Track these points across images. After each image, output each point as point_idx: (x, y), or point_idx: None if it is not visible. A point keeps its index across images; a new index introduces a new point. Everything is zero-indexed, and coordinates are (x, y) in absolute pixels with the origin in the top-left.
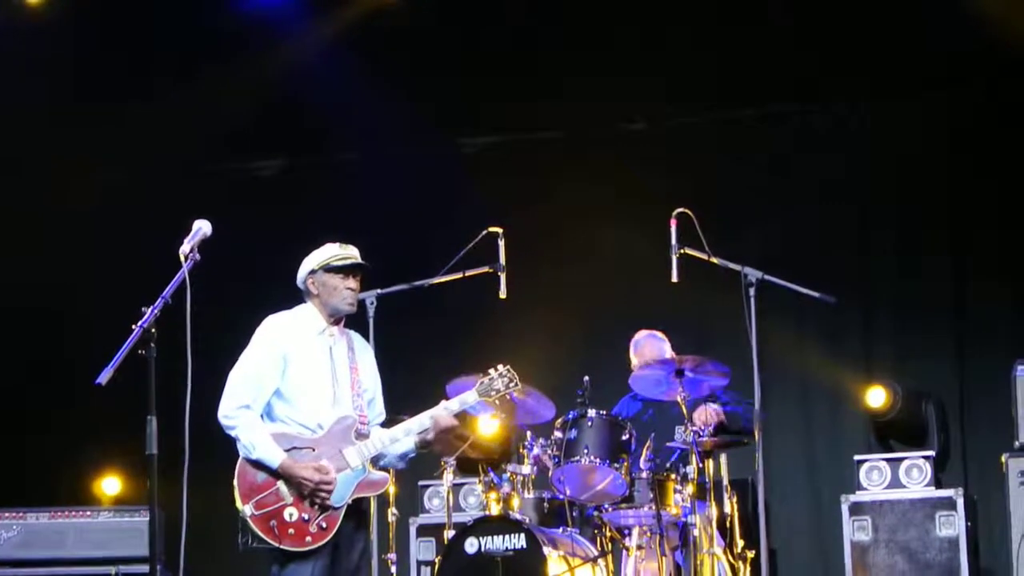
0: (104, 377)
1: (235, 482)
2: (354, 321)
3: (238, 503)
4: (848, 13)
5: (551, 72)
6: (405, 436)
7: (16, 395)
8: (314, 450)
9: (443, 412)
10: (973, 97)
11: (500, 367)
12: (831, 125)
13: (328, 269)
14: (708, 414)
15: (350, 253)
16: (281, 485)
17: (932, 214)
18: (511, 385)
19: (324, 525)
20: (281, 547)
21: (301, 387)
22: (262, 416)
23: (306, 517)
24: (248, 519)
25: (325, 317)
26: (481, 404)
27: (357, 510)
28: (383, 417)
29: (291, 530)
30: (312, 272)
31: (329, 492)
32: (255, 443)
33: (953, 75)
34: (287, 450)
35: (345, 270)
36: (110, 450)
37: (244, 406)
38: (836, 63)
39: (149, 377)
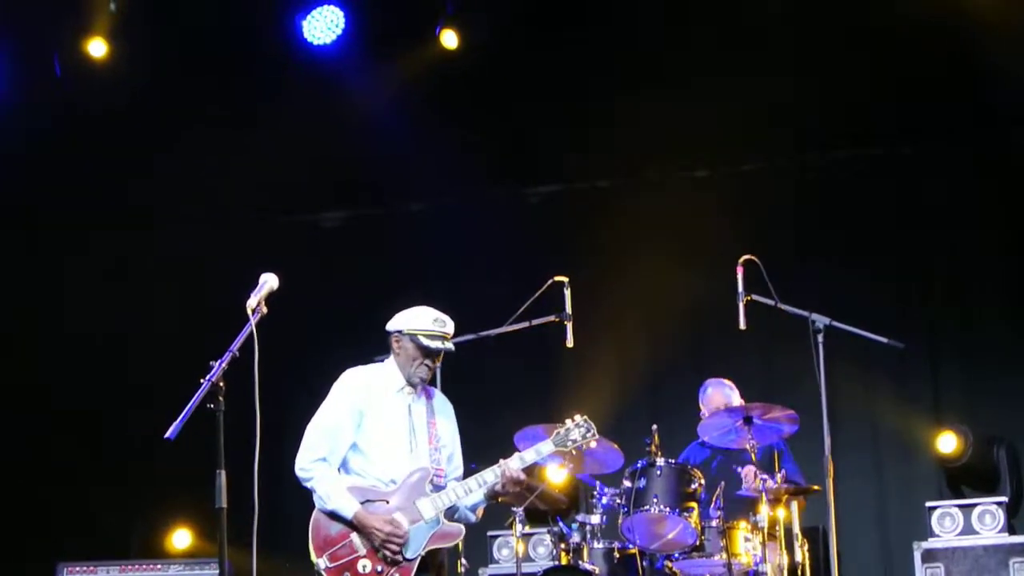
0: (174, 431)
1: (309, 535)
2: None
3: (312, 556)
4: (907, 58)
5: (615, 120)
6: (479, 487)
7: (89, 448)
8: (388, 502)
9: (516, 463)
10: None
11: (577, 417)
12: (898, 171)
13: (415, 340)
14: (754, 479)
15: (442, 331)
16: (354, 537)
17: (1000, 258)
18: (588, 435)
19: (397, 575)
20: None
21: (378, 441)
22: (339, 469)
23: (379, 569)
24: (323, 572)
25: (403, 375)
26: (554, 455)
27: (432, 562)
28: (460, 472)
29: None
30: (400, 332)
31: (399, 544)
32: (330, 494)
33: (1001, 115)
34: (362, 502)
35: (431, 352)
36: (181, 504)
37: (320, 459)
38: (897, 107)
39: (218, 431)
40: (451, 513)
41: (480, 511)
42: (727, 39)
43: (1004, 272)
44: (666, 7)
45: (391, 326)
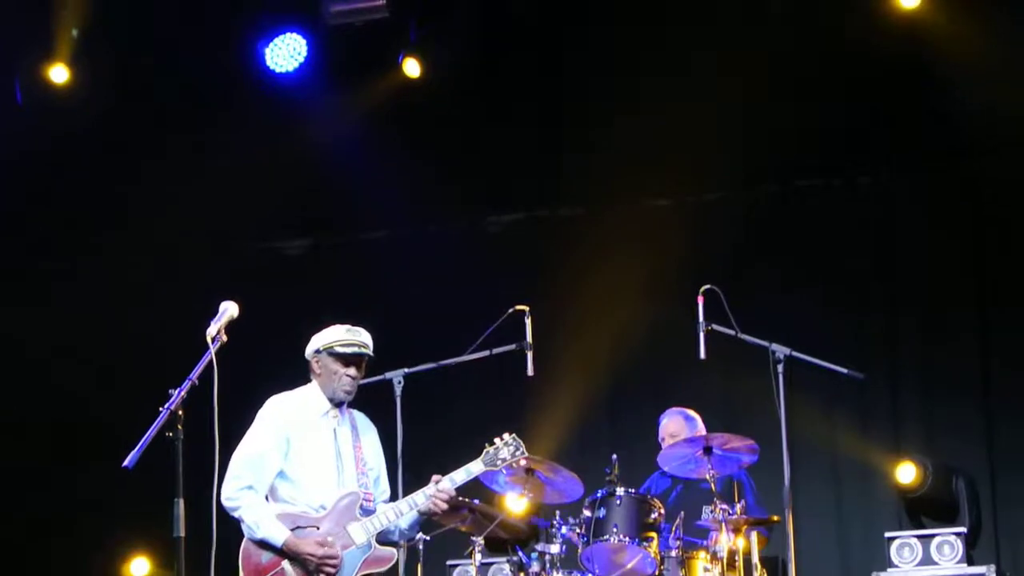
0: (131, 460)
1: (240, 565)
2: (382, 400)
3: None
4: (871, 88)
5: (575, 149)
6: (410, 510)
7: (44, 477)
8: (318, 528)
9: (446, 483)
10: (999, 170)
11: (506, 436)
12: (857, 201)
13: (331, 353)
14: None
15: (355, 339)
16: (286, 565)
17: (959, 289)
18: (517, 453)
19: None
20: None
21: (305, 468)
22: (267, 498)
23: None
24: None
25: (327, 397)
26: (492, 474)
27: None
28: (388, 495)
29: None
30: (317, 352)
31: (334, 567)
32: (259, 522)
33: (970, 146)
34: (292, 529)
35: (347, 358)
36: (139, 533)
37: (247, 487)
38: (859, 139)
39: (176, 459)
40: (385, 536)
41: (416, 533)
42: (688, 69)
43: (965, 304)
44: (623, 38)
45: (307, 351)
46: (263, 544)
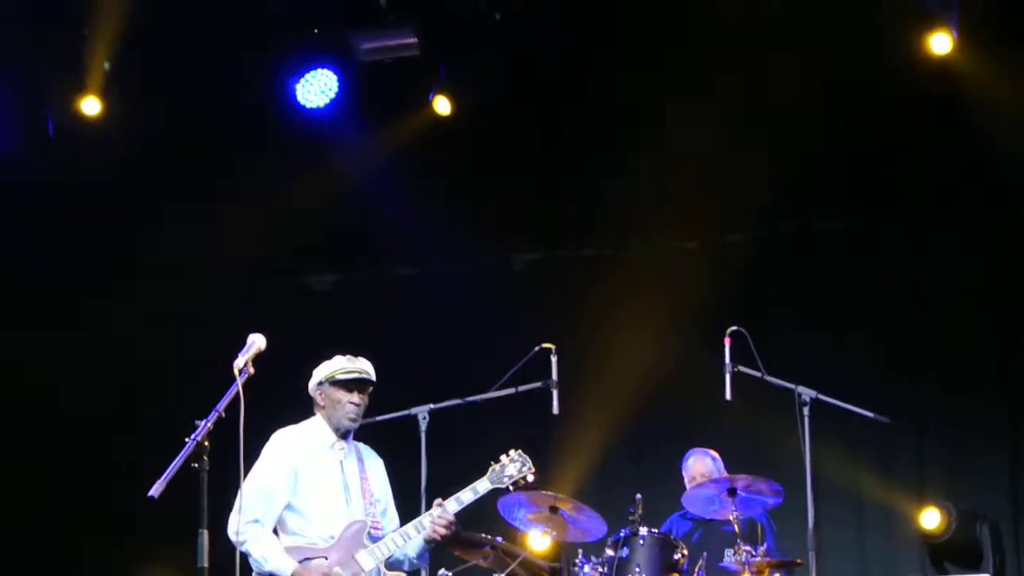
0: (157, 490)
1: None
2: (406, 435)
3: None
4: (900, 134)
5: (604, 188)
6: (418, 533)
7: (71, 505)
8: (327, 558)
9: (452, 505)
10: (1018, 214)
11: (512, 452)
12: (881, 245)
13: (333, 383)
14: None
15: (356, 367)
16: None
17: (985, 337)
18: (524, 469)
19: None
20: None
21: (313, 500)
22: (276, 530)
23: None
24: None
25: (332, 430)
26: (511, 509)
27: None
28: (396, 525)
29: None
30: (319, 384)
31: None
32: (266, 556)
33: (995, 193)
34: (300, 561)
35: (349, 384)
36: (162, 563)
37: (254, 520)
38: (883, 182)
39: (201, 490)
40: (398, 565)
41: (425, 562)
42: (714, 113)
43: (990, 349)
44: (649, 78)
45: (310, 386)
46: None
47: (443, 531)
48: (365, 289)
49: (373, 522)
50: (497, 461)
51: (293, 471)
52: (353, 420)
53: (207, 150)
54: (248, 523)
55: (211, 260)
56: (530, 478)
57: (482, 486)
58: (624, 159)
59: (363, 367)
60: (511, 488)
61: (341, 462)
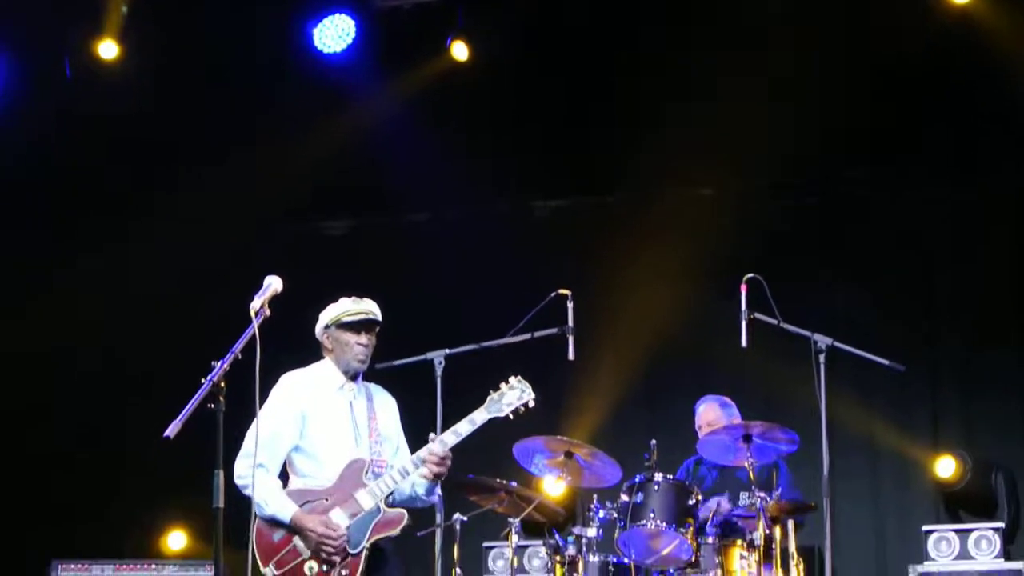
0: (172, 430)
1: (254, 544)
2: (422, 380)
3: (260, 567)
4: (927, 87)
5: (623, 136)
6: (415, 468)
7: (87, 447)
8: (327, 500)
9: (450, 437)
10: None
11: (512, 379)
12: (899, 196)
13: (340, 325)
14: (719, 509)
15: (362, 308)
16: (297, 541)
17: (1001, 285)
18: (524, 395)
19: (345, 572)
20: None
21: (322, 442)
22: (288, 473)
23: (325, 569)
24: None
25: (341, 372)
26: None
27: (382, 552)
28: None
29: None
30: (326, 327)
31: (334, 545)
32: (267, 500)
33: (1015, 153)
34: (302, 504)
35: (356, 326)
36: (177, 505)
37: (258, 465)
38: (901, 136)
39: (217, 431)
40: (410, 503)
41: (435, 497)
42: (734, 61)
43: (1006, 299)
44: (673, 27)
45: (317, 330)
46: (274, 522)
47: (436, 467)
48: (381, 235)
49: (377, 460)
50: (496, 389)
51: (300, 414)
52: (361, 362)
53: (224, 94)
54: (252, 467)
55: (227, 204)
56: (531, 404)
57: (479, 416)
58: (646, 108)
59: (369, 308)
60: (510, 416)
61: (351, 403)
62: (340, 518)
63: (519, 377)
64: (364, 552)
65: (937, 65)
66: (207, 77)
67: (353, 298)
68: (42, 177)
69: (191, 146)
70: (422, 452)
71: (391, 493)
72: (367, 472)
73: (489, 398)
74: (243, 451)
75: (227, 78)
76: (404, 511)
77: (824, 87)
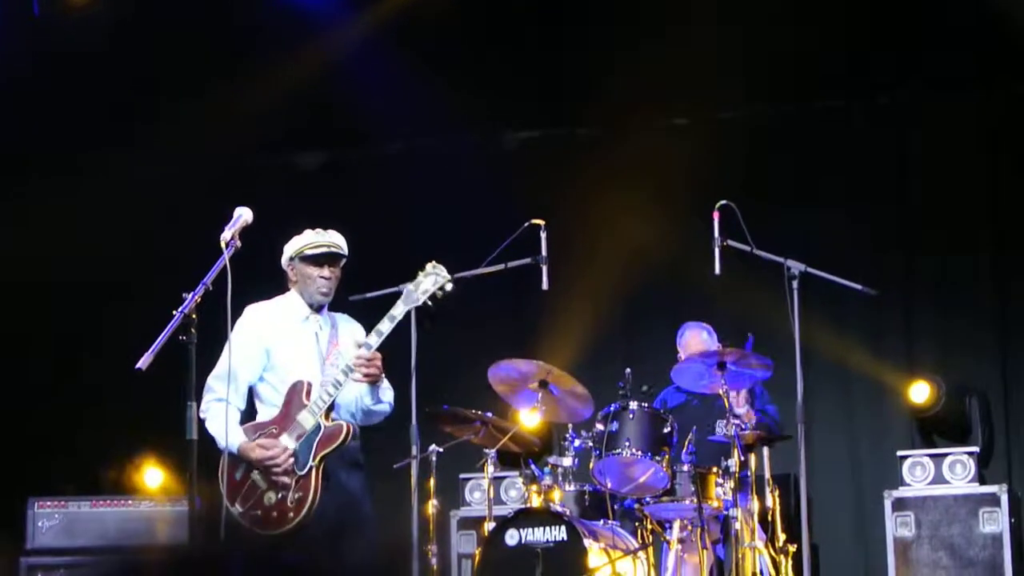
0: (144, 362)
1: (221, 482)
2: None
3: (227, 504)
4: (891, 7)
5: (593, 66)
6: (346, 376)
7: (57, 384)
8: (276, 428)
9: (373, 338)
10: (1012, 87)
11: (427, 266)
12: (875, 121)
13: (303, 258)
14: (749, 414)
15: (325, 240)
16: (255, 474)
17: (975, 209)
18: (439, 280)
19: (299, 495)
20: (278, 532)
21: (287, 373)
22: (254, 405)
23: (281, 496)
24: (238, 518)
25: (306, 304)
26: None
27: (334, 467)
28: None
29: (274, 513)
30: (291, 259)
31: (279, 465)
32: (219, 433)
33: (991, 66)
34: (256, 436)
35: (319, 259)
36: (152, 440)
37: (218, 399)
38: (875, 58)
39: (190, 363)
40: (367, 415)
41: (387, 398)
42: None
43: (981, 223)
44: None
45: (282, 261)
46: (231, 456)
47: (366, 368)
48: (353, 167)
49: (333, 380)
50: (412, 279)
51: (263, 348)
52: (325, 294)
53: (190, 31)
54: (211, 401)
55: (198, 138)
56: (448, 288)
57: (398, 310)
58: (618, 36)
59: (332, 240)
60: (428, 303)
61: (316, 334)
62: (287, 442)
63: (433, 262)
64: (313, 470)
65: None
66: (174, 12)
67: (318, 230)
68: (12, 113)
69: (158, 81)
70: (349, 359)
71: (331, 408)
72: (311, 393)
73: (406, 289)
74: (206, 385)
75: (194, 13)
76: (343, 423)
77: (808, 13)
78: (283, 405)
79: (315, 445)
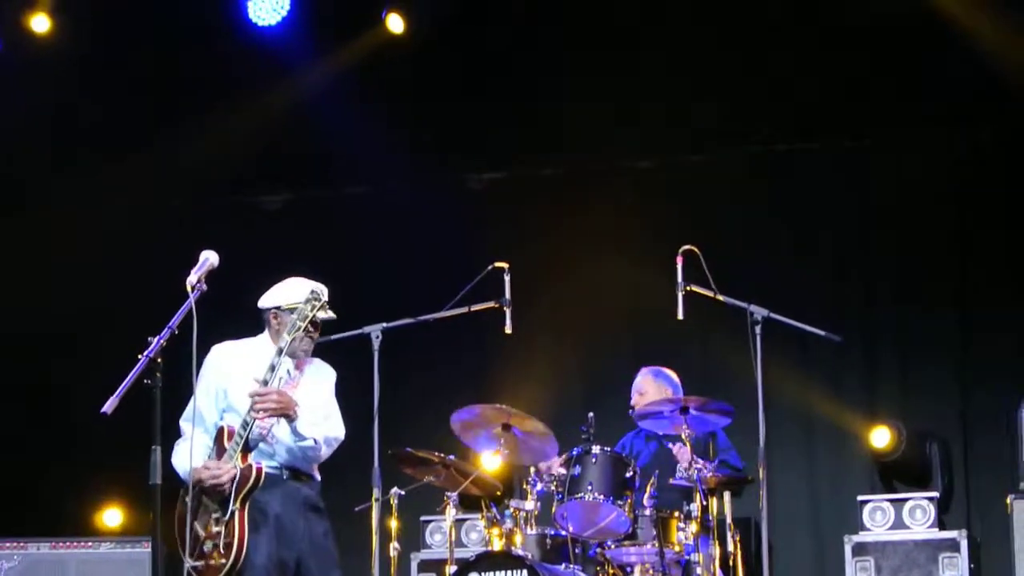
0: (109, 406)
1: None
2: (359, 353)
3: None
4: (850, 53)
5: (561, 108)
6: (252, 420)
7: (19, 425)
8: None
9: (267, 373)
10: (977, 136)
11: (308, 292)
12: (835, 165)
13: (296, 313)
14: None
15: (311, 302)
16: (196, 523)
17: (936, 254)
18: (316, 305)
19: (227, 540)
20: None
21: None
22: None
23: (214, 544)
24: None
25: (276, 351)
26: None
27: (292, 515)
28: (327, 430)
29: (211, 561)
30: (278, 308)
31: (217, 477)
32: (177, 465)
33: (955, 114)
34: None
35: (316, 322)
36: (112, 481)
37: (185, 440)
38: (838, 103)
39: (154, 407)
40: (296, 454)
41: (311, 433)
42: (675, 32)
43: (943, 269)
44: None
45: (266, 303)
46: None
47: (260, 404)
48: (317, 208)
49: (243, 421)
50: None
51: (222, 391)
52: (307, 352)
53: (154, 69)
54: (180, 442)
55: (161, 179)
56: (321, 315)
57: (283, 342)
58: (582, 79)
59: (326, 302)
60: (310, 329)
61: (280, 379)
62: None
63: (312, 288)
64: (236, 514)
65: (877, 37)
66: (138, 50)
67: (314, 286)
68: None
69: (121, 120)
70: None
71: (248, 449)
72: (232, 436)
73: (290, 320)
74: (179, 427)
75: (160, 51)
76: (253, 464)
77: (768, 60)
78: (215, 451)
79: (234, 488)
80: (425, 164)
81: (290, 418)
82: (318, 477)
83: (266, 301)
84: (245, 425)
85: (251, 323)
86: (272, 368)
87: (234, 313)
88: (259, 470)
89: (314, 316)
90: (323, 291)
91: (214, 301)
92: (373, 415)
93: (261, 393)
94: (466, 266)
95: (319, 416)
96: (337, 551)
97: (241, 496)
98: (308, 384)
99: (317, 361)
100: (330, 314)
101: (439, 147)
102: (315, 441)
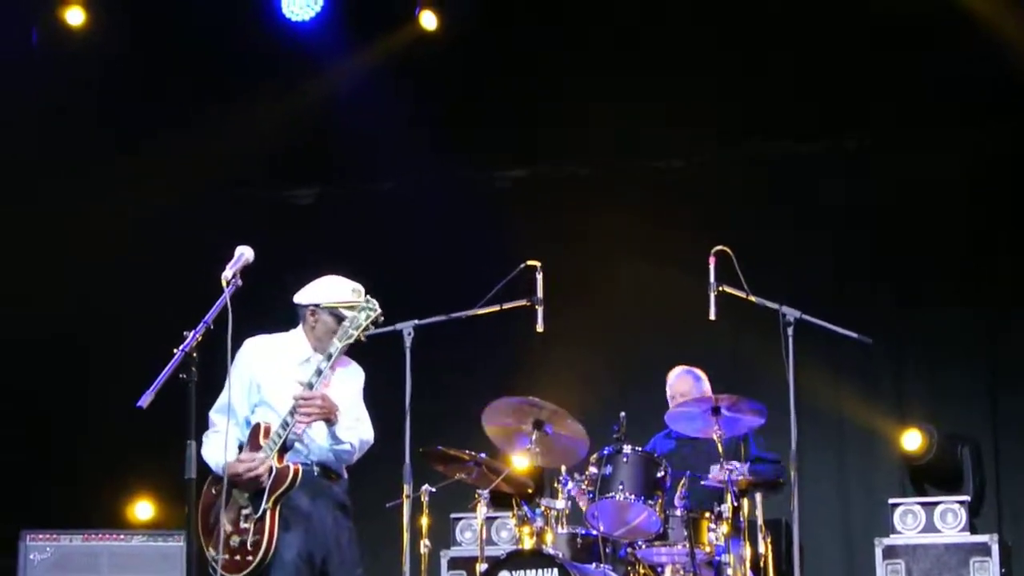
0: (145, 400)
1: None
2: (391, 350)
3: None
4: (880, 54)
5: (591, 107)
6: (292, 419)
7: (54, 418)
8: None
9: (314, 378)
10: (1003, 134)
11: (361, 300)
12: (872, 166)
13: (334, 313)
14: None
15: (365, 310)
16: (223, 517)
17: (967, 255)
18: (371, 315)
19: (256, 538)
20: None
21: (275, 411)
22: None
23: (242, 540)
24: (214, 563)
25: (312, 346)
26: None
27: (321, 511)
28: (356, 430)
29: (236, 557)
30: (316, 305)
31: (254, 470)
32: (210, 460)
33: (978, 114)
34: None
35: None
36: (145, 475)
37: (216, 432)
38: (885, 104)
39: (189, 402)
40: (334, 457)
41: (348, 438)
42: (706, 32)
43: (973, 273)
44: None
45: (304, 299)
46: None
47: (305, 408)
48: (349, 203)
49: (282, 421)
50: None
51: (255, 382)
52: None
53: (189, 64)
54: (210, 433)
55: (194, 173)
56: (380, 319)
57: (333, 347)
58: (614, 78)
59: (373, 309)
60: (362, 338)
61: (315, 371)
62: (265, 454)
63: (367, 296)
64: (268, 513)
65: (897, 37)
66: (173, 44)
67: (354, 286)
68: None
69: (156, 114)
70: (293, 403)
71: (284, 449)
72: (268, 434)
73: (341, 327)
74: (208, 418)
75: (193, 46)
76: (291, 466)
77: (804, 58)
78: (248, 447)
79: (268, 487)
80: (456, 160)
81: (331, 422)
82: (346, 476)
83: (304, 297)
84: (285, 425)
85: (282, 316)
86: (319, 372)
87: (267, 306)
88: (296, 471)
89: (368, 326)
90: (362, 292)
91: (249, 294)
92: (405, 412)
93: (306, 397)
94: (498, 263)
95: (351, 419)
96: (360, 550)
97: (275, 496)
98: (339, 384)
99: (349, 361)
100: (382, 328)
101: (469, 145)
102: (351, 445)
